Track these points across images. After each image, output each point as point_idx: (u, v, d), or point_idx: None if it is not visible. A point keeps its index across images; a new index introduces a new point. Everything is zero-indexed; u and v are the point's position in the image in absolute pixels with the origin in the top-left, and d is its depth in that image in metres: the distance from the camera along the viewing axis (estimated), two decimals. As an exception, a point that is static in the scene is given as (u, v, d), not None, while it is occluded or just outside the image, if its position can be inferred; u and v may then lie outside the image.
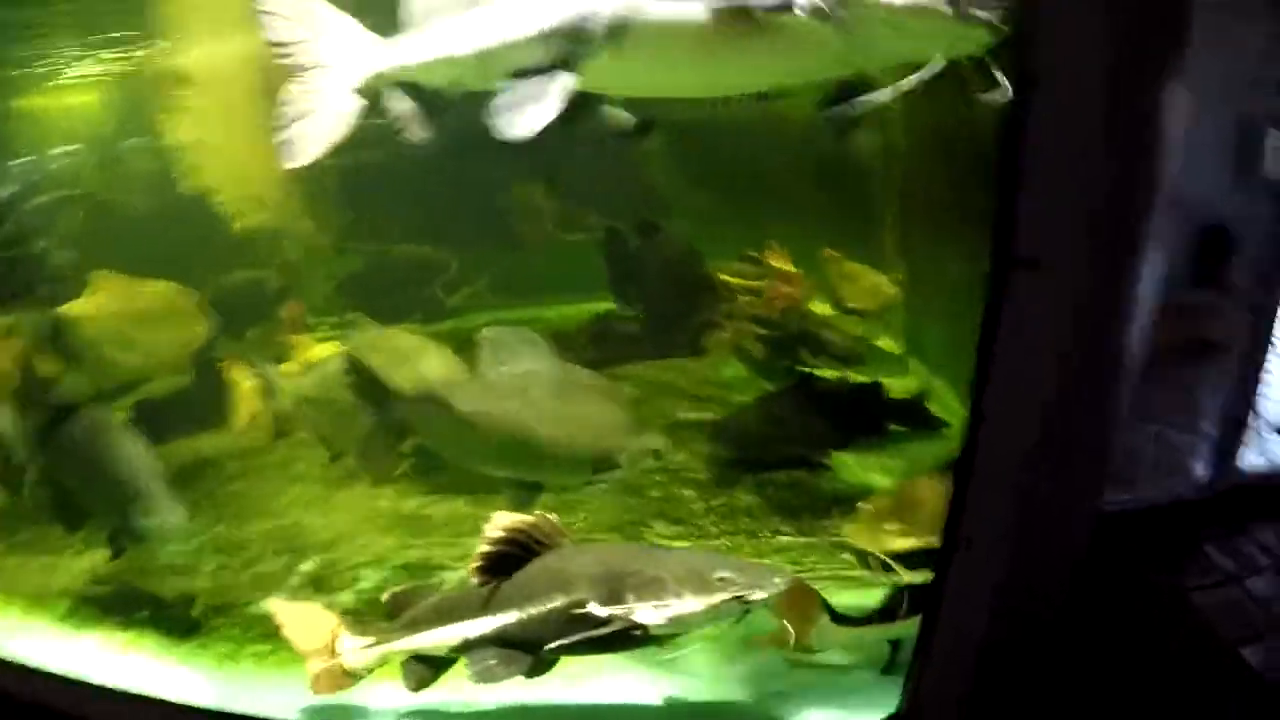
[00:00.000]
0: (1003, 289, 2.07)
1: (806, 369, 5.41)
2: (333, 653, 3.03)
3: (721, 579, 2.74)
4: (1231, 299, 2.77)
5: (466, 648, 2.90)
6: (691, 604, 2.70)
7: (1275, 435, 2.95)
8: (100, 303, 5.48)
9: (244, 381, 5.60)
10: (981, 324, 2.09)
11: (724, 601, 2.71)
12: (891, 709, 2.67)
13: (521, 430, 3.70)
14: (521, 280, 7.36)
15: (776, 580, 2.79)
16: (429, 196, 6.99)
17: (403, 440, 4.65)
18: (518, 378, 3.79)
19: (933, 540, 3.15)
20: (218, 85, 5.99)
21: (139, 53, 6.23)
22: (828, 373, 5.47)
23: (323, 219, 7.14)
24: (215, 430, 5.70)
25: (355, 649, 3.02)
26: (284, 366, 5.78)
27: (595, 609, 2.71)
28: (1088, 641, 2.79)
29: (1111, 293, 2.24)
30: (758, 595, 2.73)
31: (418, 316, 7.28)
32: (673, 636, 2.88)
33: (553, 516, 2.96)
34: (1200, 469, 2.82)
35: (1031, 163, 1.96)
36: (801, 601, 3.06)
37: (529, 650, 2.80)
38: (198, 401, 5.79)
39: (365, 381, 4.10)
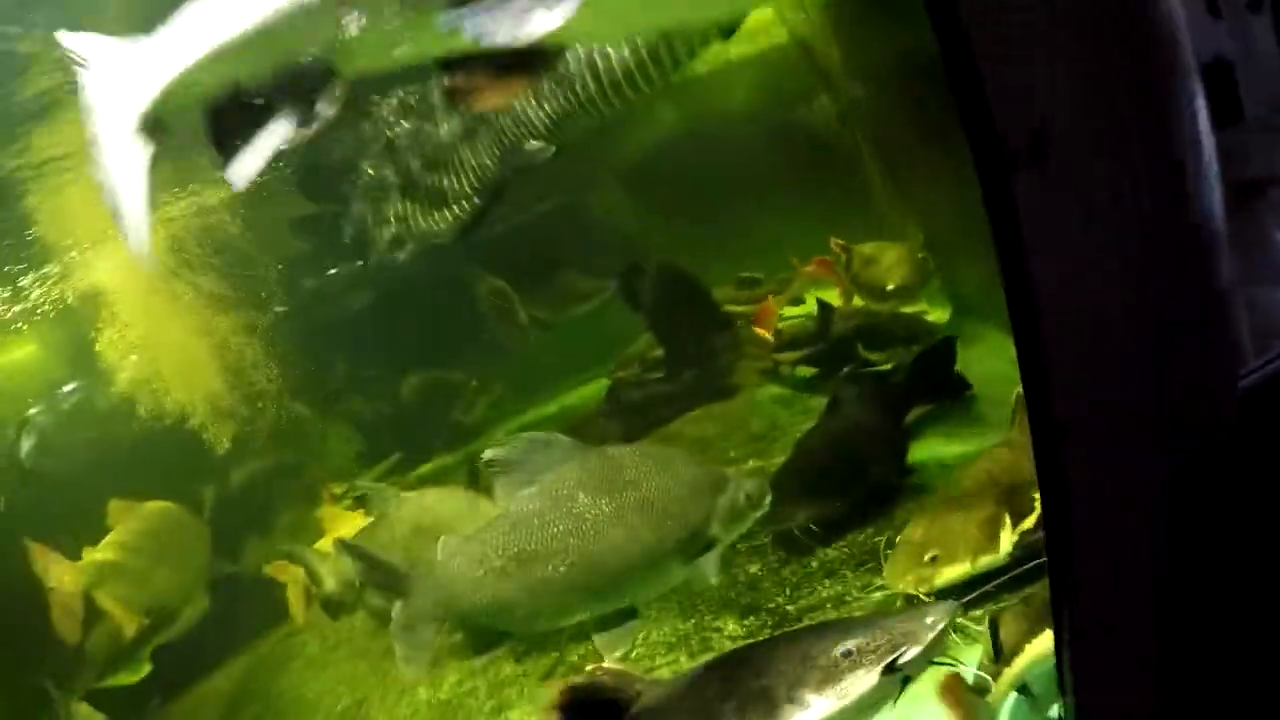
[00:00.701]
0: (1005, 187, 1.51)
1: (865, 368, 4.85)
2: None
3: (849, 652, 1.98)
4: (1255, 131, 2.25)
5: None
6: (822, 703, 1.97)
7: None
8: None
9: (291, 577, 5.20)
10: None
11: (866, 680, 1.94)
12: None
13: (591, 545, 2.84)
14: (529, 377, 7.02)
15: (930, 619, 1.98)
16: (408, 328, 6.71)
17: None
18: (554, 490, 2.90)
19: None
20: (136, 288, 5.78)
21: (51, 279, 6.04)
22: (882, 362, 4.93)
23: (315, 384, 6.87)
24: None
25: None
26: (319, 544, 5.44)
27: None
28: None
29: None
30: (912, 652, 1.94)
31: (441, 445, 6.98)
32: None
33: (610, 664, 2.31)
34: None
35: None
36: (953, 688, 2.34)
37: None
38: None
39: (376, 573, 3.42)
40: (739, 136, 6.37)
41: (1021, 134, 1.58)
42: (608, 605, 2.90)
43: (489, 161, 4.81)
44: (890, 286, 5.20)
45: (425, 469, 6.90)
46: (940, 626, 1.95)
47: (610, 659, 2.89)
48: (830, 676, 1.94)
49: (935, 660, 2.05)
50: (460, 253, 6.22)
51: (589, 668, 2.27)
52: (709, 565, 2.90)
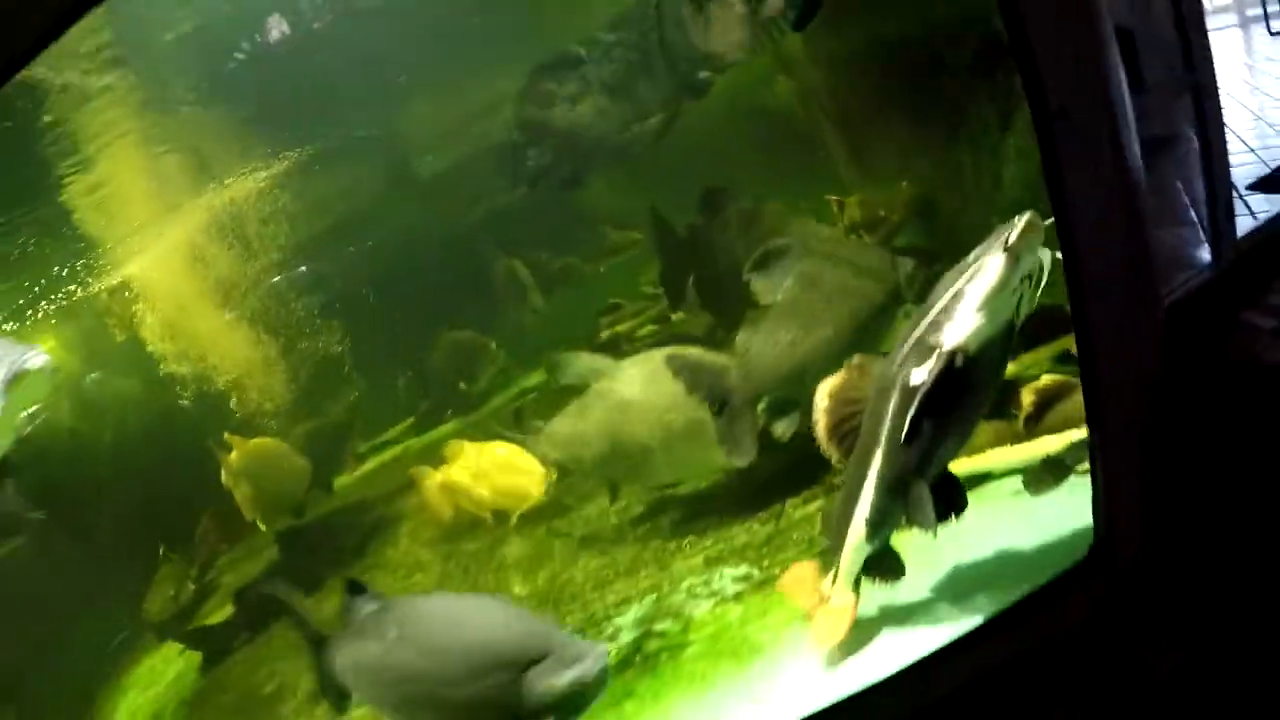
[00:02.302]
0: (1050, 139, 2.44)
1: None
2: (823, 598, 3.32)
3: None
4: (1155, 93, 3.05)
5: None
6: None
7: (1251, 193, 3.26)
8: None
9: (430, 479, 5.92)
10: (1045, 171, 2.46)
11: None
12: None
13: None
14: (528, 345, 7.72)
15: None
16: (432, 293, 7.38)
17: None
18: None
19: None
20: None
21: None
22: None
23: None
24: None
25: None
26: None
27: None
28: (1202, 430, 3.11)
29: (1115, 120, 2.63)
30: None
31: (455, 410, 7.66)
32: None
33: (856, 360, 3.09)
34: (1203, 253, 3.10)
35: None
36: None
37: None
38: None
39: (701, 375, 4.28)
40: (714, 115, 7.07)
41: (1056, 100, 2.53)
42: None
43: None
44: (889, 214, 5.71)
45: (444, 429, 7.62)
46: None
47: None
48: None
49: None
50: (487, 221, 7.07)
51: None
52: None
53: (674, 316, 6.91)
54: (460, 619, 3.15)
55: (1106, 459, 2.87)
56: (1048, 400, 3.61)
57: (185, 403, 6.83)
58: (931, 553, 3.37)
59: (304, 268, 7.32)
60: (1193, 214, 3.11)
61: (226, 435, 6.23)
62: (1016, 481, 3.62)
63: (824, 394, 3.00)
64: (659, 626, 4.05)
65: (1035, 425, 3.64)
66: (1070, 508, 3.16)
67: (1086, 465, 2.96)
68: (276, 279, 7.10)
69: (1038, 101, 2.50)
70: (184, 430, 6.98)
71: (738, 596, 4.00)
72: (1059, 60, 2.51)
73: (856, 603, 3.29)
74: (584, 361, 4.95)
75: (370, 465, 7.54)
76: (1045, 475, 3.50)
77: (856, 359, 3.03)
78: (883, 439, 2.92)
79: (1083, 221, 2.65)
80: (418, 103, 7.06)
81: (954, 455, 3.00)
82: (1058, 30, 2.50)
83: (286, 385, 7.02)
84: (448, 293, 7.55)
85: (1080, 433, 3.34)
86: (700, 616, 3.98)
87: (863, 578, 3.28)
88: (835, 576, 3.29)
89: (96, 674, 6.37)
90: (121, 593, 6.81)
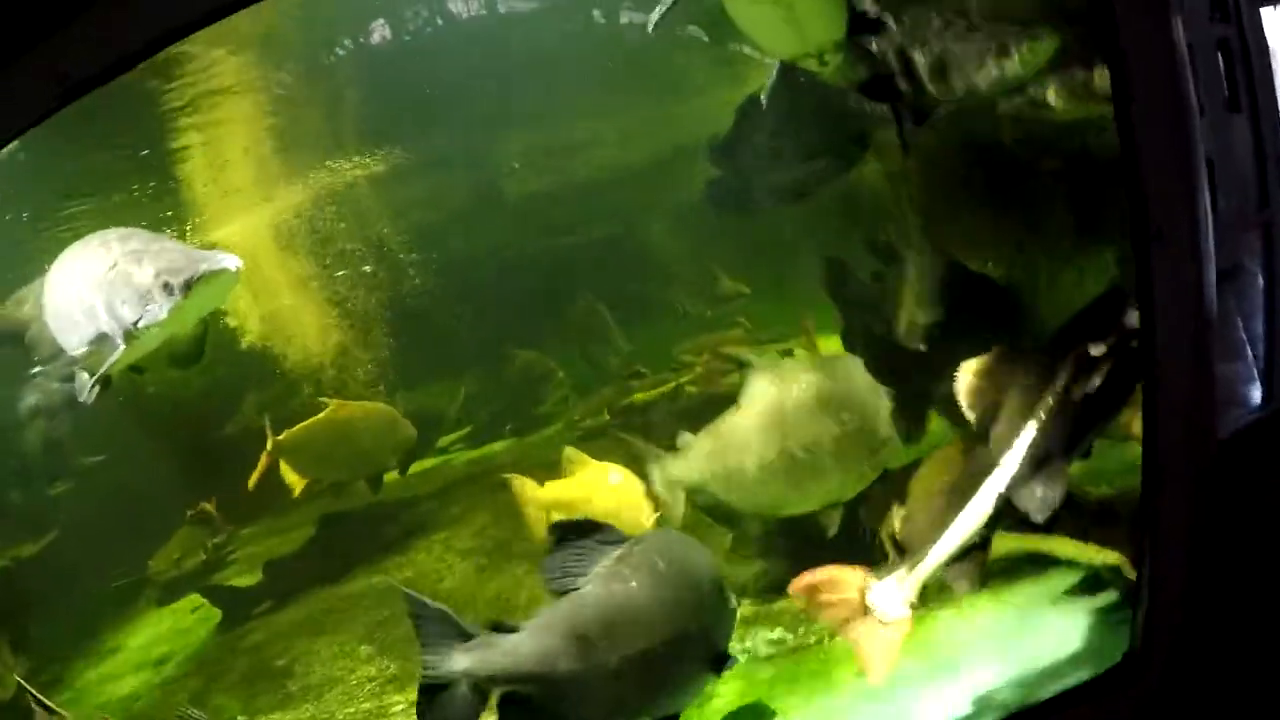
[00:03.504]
0: (1146, 259, 2.62)
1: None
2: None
3: None
4: (1225, 224, 2.95)
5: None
6: None
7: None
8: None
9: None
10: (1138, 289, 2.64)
11: None
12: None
13: None
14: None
15: None
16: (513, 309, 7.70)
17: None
18: None
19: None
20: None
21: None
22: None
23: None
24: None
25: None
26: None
27: None
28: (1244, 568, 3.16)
29: (1200, 249, 2.80)
30: None
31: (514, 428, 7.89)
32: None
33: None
34: (1254, 392, 3.17)
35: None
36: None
37: None
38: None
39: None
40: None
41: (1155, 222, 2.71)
42: None
43: None
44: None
45: (496, 446, 7.87)
46: None
47: None
48: None
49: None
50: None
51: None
52: None
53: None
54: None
55: (1154, 574, 2.97)
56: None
57: (243, 371, 7.13)
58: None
59: (401, 257, 7.70)
60: (1249, 350, 3.19)
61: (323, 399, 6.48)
62: (1074, 576, 3.77)
63: (967, 372, 3.25)
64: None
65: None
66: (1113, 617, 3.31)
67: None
68: (363, 268, 7.46)
69: (1139, 222, 2.68)
70: (235, 399, 7.33)
71: (770, 659, 4.09)
72: (1162, 184, 2.69)
73: (910, 620, 3.22)
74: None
75: (426, 465, 7.74)
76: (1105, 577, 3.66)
77: (996, 349, 3.29)
78: (1042, 412, 3.13)
79: (1164, 343, 2.81)
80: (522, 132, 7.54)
81: (1098, 435, 3.23)
82: (1164, 156, 2.69)
83: (364, 366, 7.36)
84: (528, 314, 7.89)
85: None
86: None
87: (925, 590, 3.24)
88: (902, 581, 3.19)
89: (103, 612, 6.71)
90: (141, 541, 7.12)
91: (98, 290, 3.31)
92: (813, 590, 3.35)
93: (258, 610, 6.26)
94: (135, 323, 3.23)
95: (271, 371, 7.21)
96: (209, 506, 7.22)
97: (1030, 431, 3.14)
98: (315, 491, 6.40)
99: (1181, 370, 2.86)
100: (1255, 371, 3.15)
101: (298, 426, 6.27)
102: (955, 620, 3.81)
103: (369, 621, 5.65)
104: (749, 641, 4.27)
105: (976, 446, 3.22)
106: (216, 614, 6.40)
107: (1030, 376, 3.20)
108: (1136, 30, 2.55)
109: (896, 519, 3.57)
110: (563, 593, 3.21)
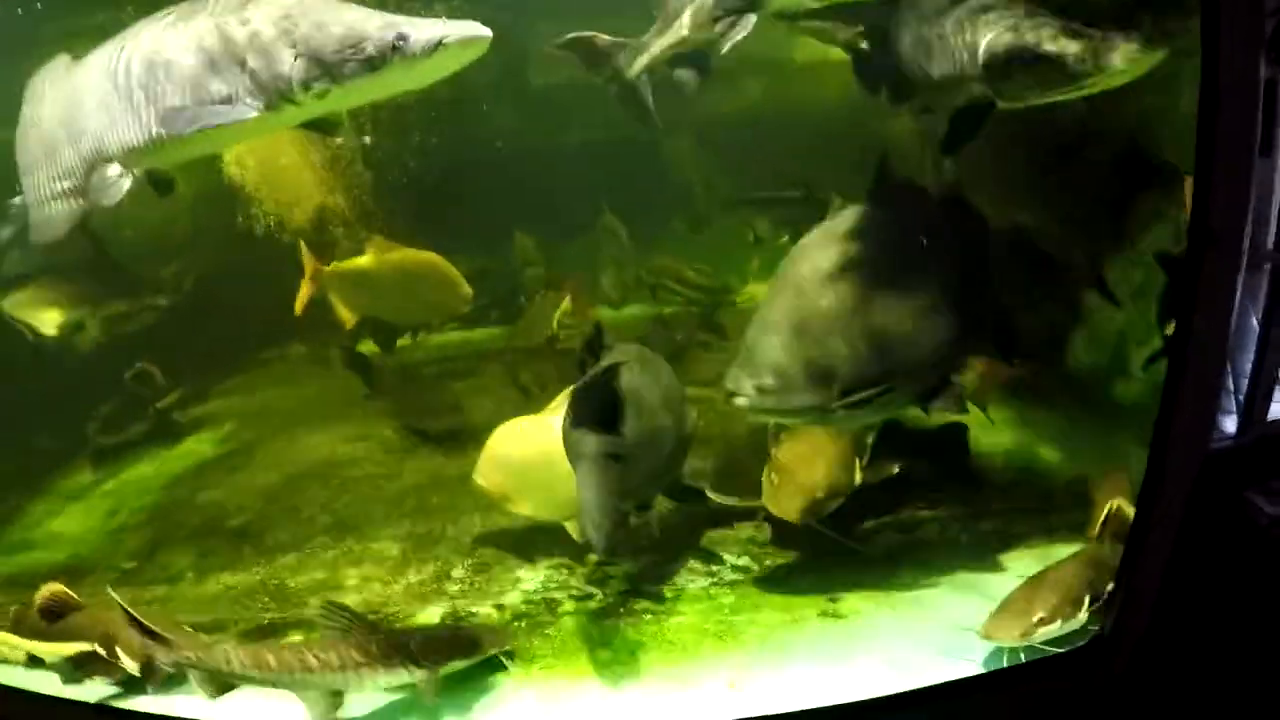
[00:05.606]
0: (1199, 261, 2.60)
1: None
2: None
3: None
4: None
5: None
6: None
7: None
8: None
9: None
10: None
11: None
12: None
13: None
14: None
15: None
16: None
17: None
18: None
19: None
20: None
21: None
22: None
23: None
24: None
25: None
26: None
27: None
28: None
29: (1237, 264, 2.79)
30: None
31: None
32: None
33: None
34: (1228, 424, 3.25)
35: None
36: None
37: None
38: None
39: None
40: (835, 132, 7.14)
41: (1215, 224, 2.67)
42: None
43: None
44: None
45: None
46: None
47: None
48: None
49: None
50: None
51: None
52: None
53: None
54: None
55: (1134, 573, 3.08)
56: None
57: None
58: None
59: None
60: (1230, 383, 3.27)
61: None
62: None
63: None
64: (651, 587, 4.21)
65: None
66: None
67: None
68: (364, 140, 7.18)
69: (1199, 220, 2.64)
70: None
71: (733, 585, 4.17)
72: (1225, 188, 2.66)
73: None
74: None
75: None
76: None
77: None
78: None
79: (1193, 346, 2.83)
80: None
81: None
82: (1228, 161, 2.66)
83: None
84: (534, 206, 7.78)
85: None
86: (693, 591, 4.16)
87: None
88: None
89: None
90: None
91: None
92: None
93: (214, 468, 6.21)
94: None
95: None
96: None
97: None
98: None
99: (1203, 371, 2.91)
100: (1234, 403, 3.24)
101: (348, 260, 6.22)
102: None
103: (328, 490, 5.67)
104: (714, 565, 4.36)
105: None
106: (171, 469, 6.33)
107: None
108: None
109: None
110: None
